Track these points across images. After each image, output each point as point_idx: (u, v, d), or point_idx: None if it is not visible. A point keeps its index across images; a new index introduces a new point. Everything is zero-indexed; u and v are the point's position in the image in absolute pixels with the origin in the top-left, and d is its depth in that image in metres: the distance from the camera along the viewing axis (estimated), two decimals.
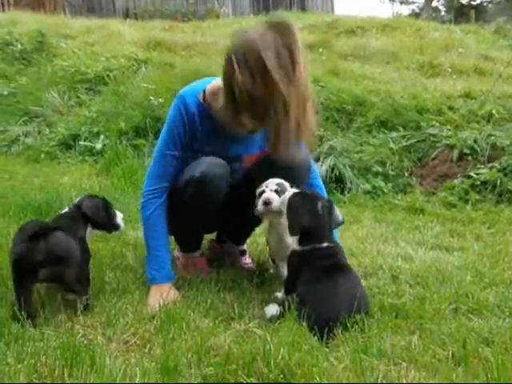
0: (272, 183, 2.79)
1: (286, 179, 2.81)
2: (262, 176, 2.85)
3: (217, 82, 2.81)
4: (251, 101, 2.42)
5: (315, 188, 3.04)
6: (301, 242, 2.59)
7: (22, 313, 2.25)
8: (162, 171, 2.87)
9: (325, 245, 2.57)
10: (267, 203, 2.74)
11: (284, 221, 2.67)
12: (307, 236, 2.57)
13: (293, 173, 2.84)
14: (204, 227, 3.20)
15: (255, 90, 2.39)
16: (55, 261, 2.33)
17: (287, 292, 2.60)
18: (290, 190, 2.71)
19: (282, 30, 2.41)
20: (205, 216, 2.95)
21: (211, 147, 2.88)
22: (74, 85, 8.49)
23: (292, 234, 2.61)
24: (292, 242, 2.65)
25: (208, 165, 2.79)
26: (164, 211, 2.86)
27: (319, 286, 2.42)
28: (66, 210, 2.73)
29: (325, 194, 3.12)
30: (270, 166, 2.81)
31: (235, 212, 3.01)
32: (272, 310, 2.56)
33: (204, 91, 2.85)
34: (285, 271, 2.79)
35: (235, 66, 2.40)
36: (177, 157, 2.86)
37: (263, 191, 2.78)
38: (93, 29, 11.11)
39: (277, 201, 2.72)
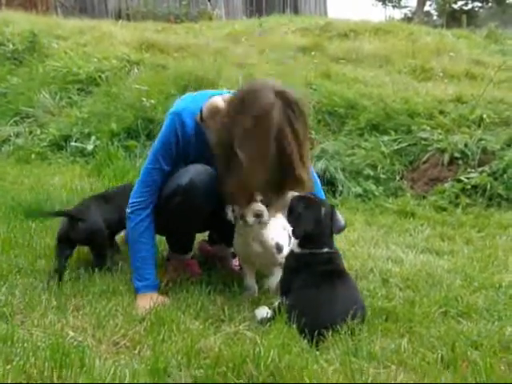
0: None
1: None
2: None
3: (213, 100, 2.82)
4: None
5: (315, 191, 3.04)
6: (300, 245, 2.60)
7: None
8: (150, 184, 2.87)
9: (324, 250, 2.58)
10: (258, 215, 2.72)
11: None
12: (307, 240, 2.58)
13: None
14: (195, 230, 3.20)
15: None
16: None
17: (282, 293, 2.60)
18: (291, 193, 2.68)
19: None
20: (194, 222, 2.96)
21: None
22: (65, 85, 8.44)
23: (294, 237, 2.62)
24: (293, 244, 2.67)
25: (196, 172, 2.80)
26: (150, 222, 2.86)
27: (315, 290, 2.43)
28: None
29: (323, 195, 3.12)
30: None
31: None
32: (262, 312, 2.56)
33: (201, 111, 2.85)
34: (250, 282, 2.89)
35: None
36: (166, 171, 2.87)
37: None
38: (85, 29, 11.06)
39: (267, 214, 2.72)
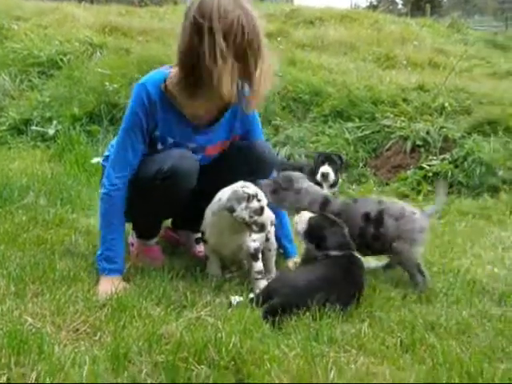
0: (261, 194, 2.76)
1: (251, 172, 2.88)
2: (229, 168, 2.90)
3: (177, 71, 2.79)
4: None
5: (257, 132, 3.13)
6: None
7: None
8: (122, 163, 2.82)
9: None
10: (263, 228, 2.75)
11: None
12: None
13: (259, 166, 2.94)
14: (167, 215, 3.19)
15: None
16: None
17: None
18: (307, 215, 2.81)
19: None
20: (171, 207, 2.94)
21: (173, 137, 2.88)
22: (25, 68, 8.26)
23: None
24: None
25: (178, 158, 2.78)
26: (123, 204, 2.82)
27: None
28: None
29: (262, 137, 3.21)
30: (237, 157, 2.91)
31: (194, 200, 2.99)
32: (238, 297, 2.56)
33: (165, 80, 2.82)
34: (215, 270, 2.91)
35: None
36: (140, 143, 2.82)
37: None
38: (46, 11, 10.82)
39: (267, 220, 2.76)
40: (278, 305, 2.34)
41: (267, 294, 2.48)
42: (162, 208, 2.94)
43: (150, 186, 2.77)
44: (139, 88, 2.82)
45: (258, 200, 2.69)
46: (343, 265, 2.61)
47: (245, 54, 2.60)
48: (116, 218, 2.81)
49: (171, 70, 2.85)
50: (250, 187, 2.72)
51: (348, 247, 2.68)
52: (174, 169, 2.74)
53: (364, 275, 2.66)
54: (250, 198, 2.67)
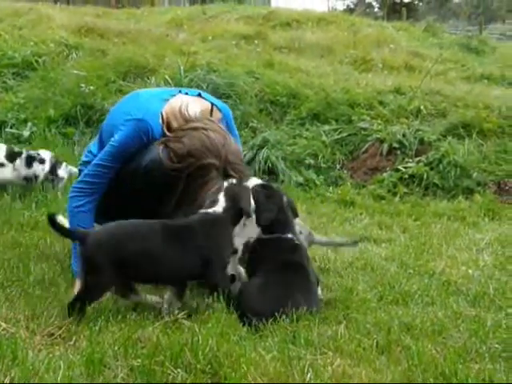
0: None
1: None
2: None
3: (173, 105, 2.86)
4: None
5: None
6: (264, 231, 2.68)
7: None
8: (98, 179, 2.84)
9: (289, 236, 2.66)
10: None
11: None
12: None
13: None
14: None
15: None
16: None
17: (248, 276, 2.69)
18: (252, 181, 2.76)
19: None
20: (150, 204, 2.92)
21: None
22: (0, 69, 8.15)
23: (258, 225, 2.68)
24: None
25: (156, 153, 2.77)
26: (92, 208, 2.84)
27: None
28: None
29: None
30: None
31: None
32: None
33: (162, 113, 2.84)
34: None
35: None
36: (116, 168, 2.84)
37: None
38: (21, 12, 10.69)
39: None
40: None
41: None
42: (142, 203, 2.91)
43: (132, 181, 2.79)
44: (139, 124, 2.81)
45: None
46: None
47: None
48: (84, 221, 2.82)
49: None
50: None
51: None
52: (153, 161, 2.75)
53: None
54: None
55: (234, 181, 2.64)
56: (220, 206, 2.55)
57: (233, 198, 2.57)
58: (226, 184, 2.61)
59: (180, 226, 2.53)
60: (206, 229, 2.50)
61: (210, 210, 2.55)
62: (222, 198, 2.57)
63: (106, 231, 2.46)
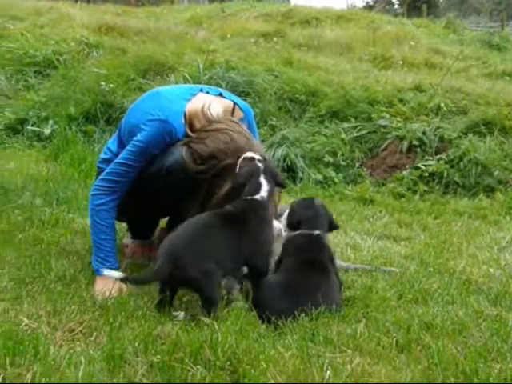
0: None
1: None
2: None
3: (195, 105, 2.83)
4: None
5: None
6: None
7: None
8: (121, 178, 2.82)
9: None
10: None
11: None
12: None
13: None
14: (165, 213, 3.20)
15: None
16: None
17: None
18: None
19: None
20: (170, 205, 2.94)
21: None
22: (21, 68, 8.24)
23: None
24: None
25: (179, 155, 2.76)
26: (114, 207, 2.83)
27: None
28: None
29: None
30: None
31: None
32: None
33: (184, 113, 2.83)
34: None
35: None
36: (139, 167, 2.82)
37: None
38: (42, 10, 10.81)
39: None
40: None
41: None
42: (163, 205, 2.94)
43: (153, 183, 2.79)
44: (162, 125, 2.79)
45: None
46: None
47: None
48: (106, 219, 2.82)
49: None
50: None
51: None
52: (176, 163, 2.74)
53: None
54: None
55: (256, 156, 2.63)
56: (264, 191, 2.56)
57: (270, 177, 2.59)
58: (260, 165, 2.59)
59: (234, 215, 2.54)
60: (258, 215, 2.53)
61: (258, 197, 2.55)
62: (263, 181, 2.57)
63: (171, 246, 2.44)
